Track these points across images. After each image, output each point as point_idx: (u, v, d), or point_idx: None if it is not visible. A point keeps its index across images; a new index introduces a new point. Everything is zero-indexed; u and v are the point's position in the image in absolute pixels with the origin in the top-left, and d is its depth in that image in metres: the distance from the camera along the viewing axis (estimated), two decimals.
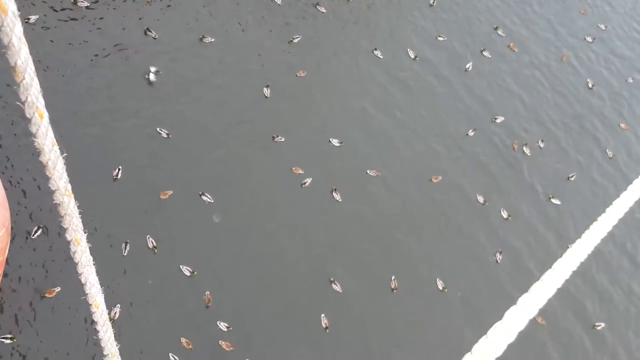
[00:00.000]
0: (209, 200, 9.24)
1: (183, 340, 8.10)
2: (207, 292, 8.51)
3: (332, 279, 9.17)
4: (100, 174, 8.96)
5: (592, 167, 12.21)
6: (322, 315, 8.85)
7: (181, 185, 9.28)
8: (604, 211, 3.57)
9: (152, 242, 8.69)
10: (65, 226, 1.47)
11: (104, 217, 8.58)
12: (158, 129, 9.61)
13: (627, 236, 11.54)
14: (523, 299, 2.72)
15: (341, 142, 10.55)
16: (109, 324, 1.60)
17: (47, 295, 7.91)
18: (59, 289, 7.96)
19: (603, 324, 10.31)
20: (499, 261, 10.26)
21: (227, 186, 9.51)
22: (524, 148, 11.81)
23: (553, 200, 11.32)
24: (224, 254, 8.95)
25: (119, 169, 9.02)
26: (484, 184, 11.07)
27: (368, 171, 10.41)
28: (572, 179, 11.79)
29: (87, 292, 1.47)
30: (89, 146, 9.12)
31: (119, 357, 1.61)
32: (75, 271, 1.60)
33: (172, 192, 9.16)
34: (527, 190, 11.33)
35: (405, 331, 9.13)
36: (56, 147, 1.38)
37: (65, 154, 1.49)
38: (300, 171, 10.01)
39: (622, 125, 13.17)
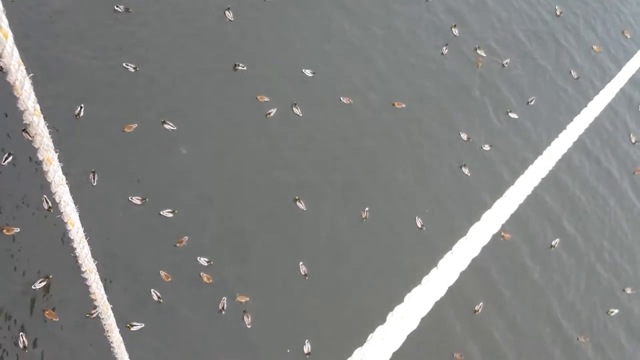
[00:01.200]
0: (171, 127, 9.11)
1: (162, 273, 8.21)
2: (185, 237, 8.56)
3: (296, 198, 9.30)
4: (63, 111, 8.73)
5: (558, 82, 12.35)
6: (294, 235, 9.03)
7: (147, 118, 9.12)
8: (564, 128, 3.64)
9: (119, 176, 8.64)
10: (36, 146, 1.46)
11: (69, 152, 8.42)
12: (124, 64, 9.36)
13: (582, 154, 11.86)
14: (486, 215, 2.80)
15: (314, 73, 10.42)
16: (85, 242, 1.62)
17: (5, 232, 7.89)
18: (18, 230, 7.92)
19: (557, 240, 10.77)
20: (468, 174, 10.52)
21: (192, 116, 9.38)
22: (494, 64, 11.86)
23: (511, 115, 11.47)
24: (192, 184, 8.95)
25: (81, 107, 8.79)
26: (445, 106, 11.14)
27: (342, 98, 10.39)
28: (532, 102, 11.91)
29: (61, 210, 1.48)
30: (51, 77, 8.82)
31: (97, 272, 1.64)
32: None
33: (136, 125, 9.01)
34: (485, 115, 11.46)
35: (375, 251, 9.39)
36: (23, 68, 1.36)
37: (32, 74, 1.46)
38: (266, 99, 9.92)
39: (595, 48, 13.22)
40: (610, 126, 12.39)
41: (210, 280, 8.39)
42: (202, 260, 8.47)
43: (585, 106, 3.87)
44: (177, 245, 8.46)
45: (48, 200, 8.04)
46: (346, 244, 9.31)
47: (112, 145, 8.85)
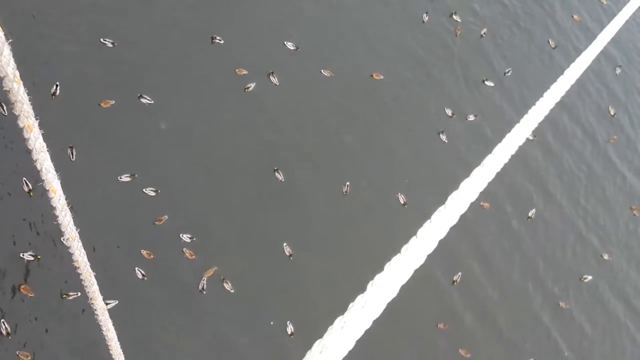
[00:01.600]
0: (148, 101, 8.99)
1: (144, 252, 8.21)
2: (165, 216, 8.53)
3: (275, 169, 9.30)
4: (39, 91, 8.56)
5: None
6: (269, 205, 9.06)
7: (124, 94, 8.99)
8: (541, 96, 3.66)
9: (97, 152, 8.55)
10: (16, 113, 1.44)
11: (47, 130, 8.28)
12: (102, 39, 9.18)
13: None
14: (465, 184, 2.83)
15: (297, 47, 10.32)
16: (67, 209, 1.61)
17: None
18: None
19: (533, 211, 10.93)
20: (446, 141, 10.59)
21: (169, 91, 9.27)
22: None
23: (487, 83, 11.51)
24: (172, 160, 8.89)
25: (57, 86, 8.62)
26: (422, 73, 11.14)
27: (322, 71, 10.32)
28: (509, 73, 11.94)
29: (43, 178, 1.47)
30: (24, 57, 8.62)
31: (79, 240, 1.64)
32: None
33: (114, 101, 8.89)
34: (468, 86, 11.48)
35: (349, 223, 9.46)
36: (1, 33, 1.33)
37: (10, 40, 1.43)
38: (245, 72, 9.82)
39: (575, 17, 13.24)
40: (588, 93, 12.49)
41: (194, 257, 8.39)
42: (185, 237, 8.46)
43: (562, 74, 3.89)
44: (157, 223, 8.42)
45: (28, 182, 7.95)
46: (327, 216, 9.35)
47: (89, 121, 8.73)
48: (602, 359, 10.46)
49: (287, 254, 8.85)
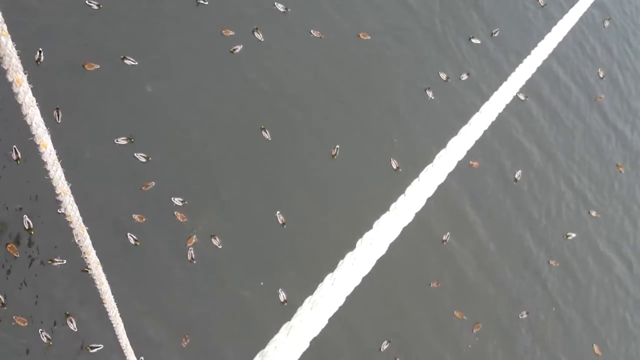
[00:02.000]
0: (132, 63, 8.87)
1: (135, 216, 8.23)
2: (152, 182, 8.50)
3: (262, 127, 9.27)
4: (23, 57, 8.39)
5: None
6: (258, 165, 9.07)
7: (108, 56, 8.86)
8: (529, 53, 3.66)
9: (84, 114, 8.47)
10: (5, 67, 1.43)
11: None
12: (87, 1, 8.97)
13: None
14: (452, 142, 2.85)
15: (286, 8, 10.14)
16: (58, 164, 1.62)
17: None
18: None
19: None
20: (433, 98, 10.58)
21: (155, 53, 9.14)
22: None
23: (474, 40, 11.44)
24: (160, 122, 8.84)
25: (40, 52, 8.46)
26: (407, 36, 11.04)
27: (312, 32, 10.20)
28: (496, 34, 11.86)
29: (33, 133, 1.47)
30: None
31: (71, 195, 1.65)
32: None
33: (98, 65, 8.76)
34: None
35: (340, 183, 9.51)
36: None
37: None
38: (231, 33, 9.68)
39: None
40: (576, 51, 12.45)
41: (185, 220, 8.43)
42: (177, 200, 8.48)
43: (550, 31, 3.88)
44: (143, 188, 8.40)
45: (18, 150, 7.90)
46: (317, 177, 9.39)
47: (75, 85, 8.62)
48: (593, 311, 10.70)
49: (280, 222, 8.90)
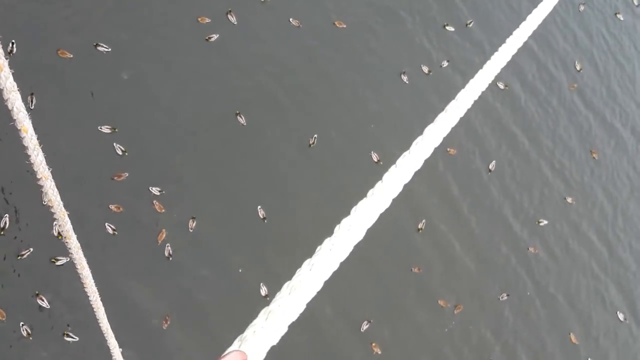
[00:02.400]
0: (105, 49, 8.76)
1: (112, 207, 8.17)
2: (125, 173, 8.43)
3: (237, 112, 9.23)
4: None
5: None
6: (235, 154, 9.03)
7: (82, 43, 8.74)
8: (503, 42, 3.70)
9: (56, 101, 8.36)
10: None
11: None
12: None
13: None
14: (429, 129, 2.89)
15: None
16: (39, 148, 1.62)
17: None
18: None
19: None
20: (409, 83, 10.63)
21: (130, 41, 9.04)
22: None
23: (448, 28, 11.50)
24: (135, 110, 8.76)
25: (13, 43, 8.33)
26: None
27: (291, 20, 10.15)
28: (471, 24, 11.93)
29: (14, 118, 1.46)
30: None
31: (52, 179, 1.65)
32: None
33: (72, 53, 8.63)
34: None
35: (317, 170, 9.53)
36: None
37: None
38: (207, 20, 9.61)
39: None
40: (554, 33, 12.59)
41: (163, 210, 8.38)
42: (154, 190, 8.43)
43: (530, 13, 3.92)
44: (116, 179, 8.32)
45: None
46: (295, 166, 9.40)
47: (49, 73, 8.49)
48: (565, 295, 10.91)
49: (261, 217, 8.89)
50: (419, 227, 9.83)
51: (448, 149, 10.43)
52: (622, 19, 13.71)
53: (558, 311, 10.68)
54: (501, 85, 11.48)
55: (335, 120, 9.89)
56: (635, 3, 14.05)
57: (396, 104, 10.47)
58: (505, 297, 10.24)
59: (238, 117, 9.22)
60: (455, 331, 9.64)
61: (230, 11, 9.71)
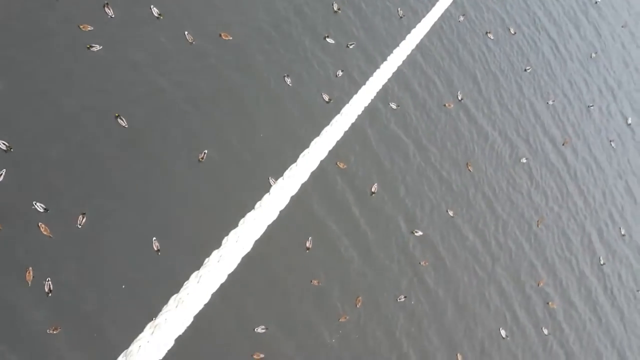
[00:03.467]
0: None
1: None
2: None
3: (117, 115, 8.95)
4: None
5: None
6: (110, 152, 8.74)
7: None
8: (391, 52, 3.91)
9: None
10: None
11: None
12: None
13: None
14: (315, 142, 2.98)
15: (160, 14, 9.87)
16: None
17: None
18: None
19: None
20: (290, 84, 10.78)
21: (10, 47, 8.52)
22: None
23: (329, 40, 11.85)
24: (10, 120, 8.25)
25: None
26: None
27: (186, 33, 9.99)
28: (351, 46, 12.39)
29: None
30: None
31: None
32: None
33: None
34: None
35: (205, 182, 9.44)
36: None
37: None
38: (90, 28, 9.26)
39: None
40: (436, 44, 13.32)
41: (49, 234, 7.91)
42: (38, 206, 7.94)
43: (404, 39, 4.15)
44: None
45: None
46: (184, 180, 9.24)
47: None
48: (461, 295, 11.49)
49: (154, 247, 8.64)
50: (308, 246, 9.88)
51: (337, 163, 10.69)
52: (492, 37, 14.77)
53: (447, 316, 11.24)
54: (394, 106, 12.00)
55: (226, 134, 9.83)
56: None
57: (283, 115, 10.57)
58: (403, 299, 10.63)
59: (119, 120, 8.88)
60: (346, 338, 9.86)
61: (107, 4, 9.41)
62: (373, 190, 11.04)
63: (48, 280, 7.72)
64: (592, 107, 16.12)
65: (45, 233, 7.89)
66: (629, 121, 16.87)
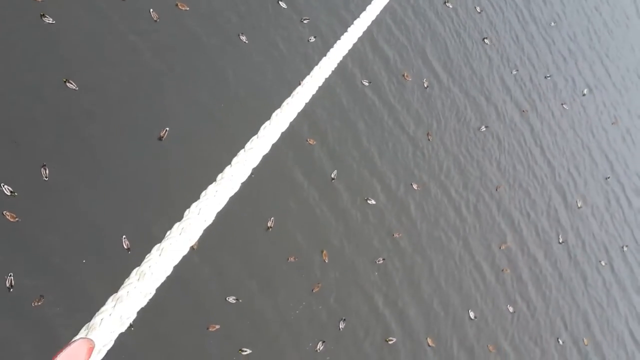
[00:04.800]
0: None
1: None
2: None
3: (65, 79, 8.63)
4: None
5: None
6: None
7: None
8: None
9: None
10: None
11: None
12: None
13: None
14: (275, 114, 2.99)
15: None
16: None
17: None
18: None
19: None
20: (248, 43, 10.72)
21: None
22: None
23: (281, 3, 11.80)
24: None
25: None
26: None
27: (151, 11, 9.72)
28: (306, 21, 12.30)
29: None
30: None
31: None
32: None
33: None
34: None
35: (165, 154, 9.35)
36: None
37: None
38: None
39: None
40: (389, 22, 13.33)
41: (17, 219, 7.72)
42: (5, 188, 7.71)
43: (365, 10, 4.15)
44: None
45: None
46: (146, 157, 9.11)
47: None
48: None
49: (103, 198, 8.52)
50: (269, 225, 9.90)
51: (308, 139, 10.69)
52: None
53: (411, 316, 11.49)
54: (366, 82, 12.03)
55: (187, 109, 9.70)
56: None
57: (249, 85, 10.48)
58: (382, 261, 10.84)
59: (67, 84, 8.61)
60: (306, 311, 10.00)
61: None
62: (333, 176, 11.04)
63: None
64: (549, 78, 16.43)
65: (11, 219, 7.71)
66: (585, 92, 17.28)
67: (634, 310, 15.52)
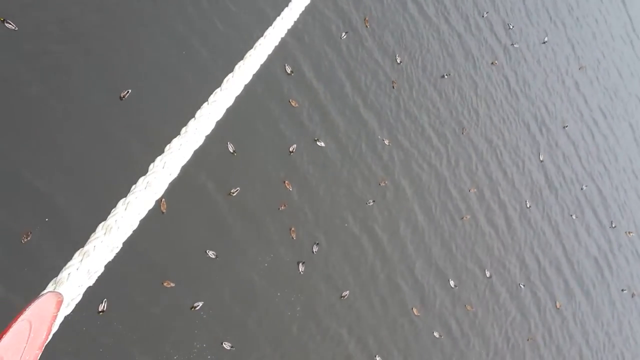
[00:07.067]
0: None
1: None
2: None
3: (2, 19, 8.22)
4: None
5: None
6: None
7: None
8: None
9: None
10: None
11: None
12: None
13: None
14: (239, 65, 2.96)
15: None
16: None
17: None
18: None
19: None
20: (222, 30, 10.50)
21: None
22: None
23: None
24: None
25: None
26: None
27: None
28: None
29: None
30: None
31: None
32: None
33: None
34: None
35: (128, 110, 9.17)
36: None
37: None
38: None
39: None
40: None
41: None
42: None
43: None
44: None
45: None
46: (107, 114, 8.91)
47: None
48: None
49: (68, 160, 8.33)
50: (231, 192, 9.86)
51: (290, 101, 10.60)
52: None
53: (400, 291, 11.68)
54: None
55: (147, 69, 9.43)
56: None
57: (210, 39, 10.26)
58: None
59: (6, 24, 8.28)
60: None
61: None
62: (318, 142, 10.97)
63: None
64: (512, 28, 16.51)
65: None
66: (546, 39, 17.48)
67: None
